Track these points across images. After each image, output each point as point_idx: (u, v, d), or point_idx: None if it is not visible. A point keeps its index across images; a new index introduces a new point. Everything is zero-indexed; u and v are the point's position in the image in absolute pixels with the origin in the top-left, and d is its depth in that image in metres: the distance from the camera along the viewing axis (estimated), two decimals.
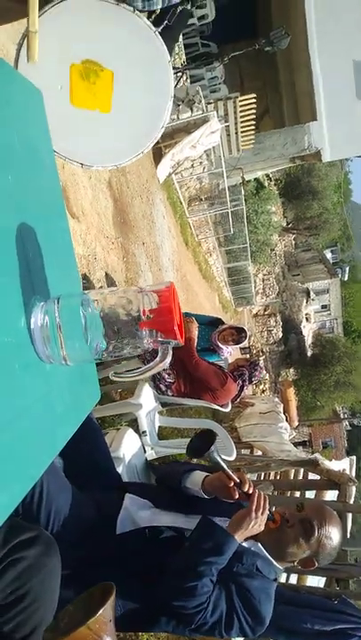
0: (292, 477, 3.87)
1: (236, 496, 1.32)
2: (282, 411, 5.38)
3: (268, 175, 13.82)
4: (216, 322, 3.26)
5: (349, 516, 3.10)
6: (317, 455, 3.45)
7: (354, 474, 4.73)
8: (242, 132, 7.60)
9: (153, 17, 1.62)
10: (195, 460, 2.09)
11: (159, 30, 1.50)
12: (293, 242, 22.67)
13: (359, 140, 9.19)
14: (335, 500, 2.83)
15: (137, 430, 2.34)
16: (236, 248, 11.98)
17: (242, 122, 7.46)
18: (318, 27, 7.96)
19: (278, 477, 3.97)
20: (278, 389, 18.00)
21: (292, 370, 21.99)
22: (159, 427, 2.80)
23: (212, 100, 7.04)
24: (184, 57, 7.51)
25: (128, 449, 1.92)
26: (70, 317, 0.67)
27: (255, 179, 12.10)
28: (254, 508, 1.28)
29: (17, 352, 0.66)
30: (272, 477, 3.93)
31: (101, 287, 3.39)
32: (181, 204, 7.91)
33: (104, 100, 1.52)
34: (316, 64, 8.23)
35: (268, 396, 10.45)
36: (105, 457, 1.58)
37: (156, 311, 0.68)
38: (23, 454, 0.66)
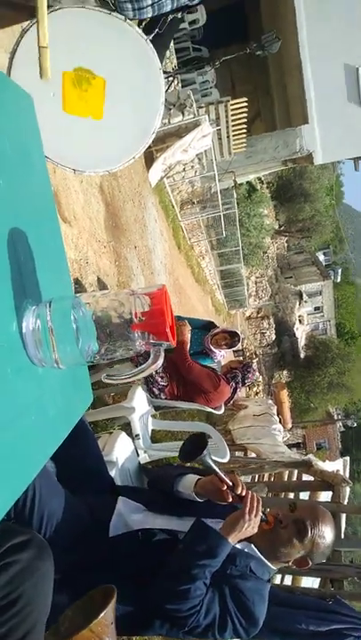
0: (286, 479, 3.88)
1: (230, 499, 1.32)
2: (275, 413, 5.40)
3: (260, 178, 13.89)
4: (209, 325, 3.27)
5: (343, 516, 3.11)
6: (311, 456, 3.47)
7: (348, 474, 4.75)
8: (233, 135, 7.65)
9: (144, 25, 1.64)
10: (189, 464, 2.09)
11: (150, 38, 1.52)
12: (286, 244, 22.80)
13: (351, 143, 9.28)
14: (329, 500, 2.84)
15: (130, 434, 2.34)
16: (228, 251, 12.02)
17: (233, 125, 7.51)
18: (309, 30, 8.04)
19: (272, 479, 3.97)
20: (272, 391, 18.02)
21: (285, 372, 22.07)
22: (152, 430, 2.80)
23: (203, 104, 7.09)
24: (175, 61, 7.54)
25: (121, 452, 1.91)
26: (62, 321, 0.68)
27: (247, 182, 12.17)
28: (247, 510, 1.29)
29: (9, 356, 0.67)
30: (266, 479, 3.94)
31: (93, 291, 3.39)
32: (173, 207, 7.93)
33: (96, 107, 1.53)
34: (308, 67, 8.30)
35: (262, 399, 10.47)
36: (97, 461, 1.57)
37: (148, 313, 0.69)
38: (15, 458, 0.66)
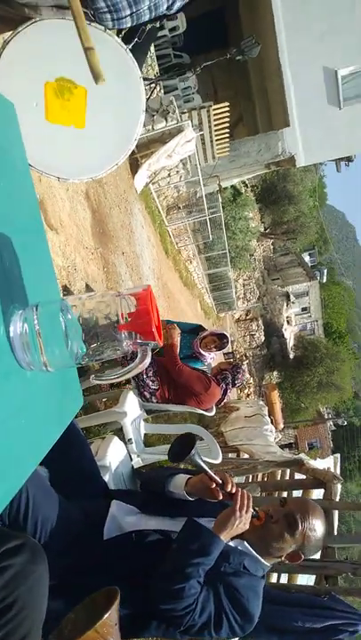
0: (278, 478, 3.91)
1: (220, 496, 1.34)
2: (267, 413, 5.43)
3: (244, 182, 14.02)
4: (198, 329, 3.29)
5: (336, 513, 3.14)
6: (302, 455, 3.50)
7: (338, 471, 4.80)
8: (217, 140, 7.72)
9: (123, 33, 1.67)
10: (182, 466, 2.10)
11: (130, 47, 1.54)
12: (272, 246, 22.99)
13: (331, 145, 9.42)
14: (321, 498, 2.86)
15: (123, 439, 2.34)
16: (215, 254, 12.09)
17: (216, 130, 7.58)
18: (288, 35, 8.15)
19: (265, 479, 3.99)
20: (263, 393, 18.10)
21: (275, 373, 22.18)
22: (145, 434, 2.80)
23: (186, 110, 7.14)
24: (157, 68, 7.60)
25: (114, 457, 1.92)
26: (49, 323, 0.69)
27: (232, 186, 12.26)
28: (238, 507, 1.30)
29: None
30: (259, 479, 3.96)
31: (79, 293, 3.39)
32: (160, 212, 7.97)
33: (78, 116, 1.56)
34: (287, 71, 8.42)
35: (253, 400, 10.51)
36: (90, 465, 1.58)
37: (134, 314, 0.70)
38: (6, 461, 0.67)
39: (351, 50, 8.27)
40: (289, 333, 23.39)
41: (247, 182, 14.92)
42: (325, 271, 30.35)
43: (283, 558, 1.42)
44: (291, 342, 23.03)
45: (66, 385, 0.95)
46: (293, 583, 2.80)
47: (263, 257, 21.59)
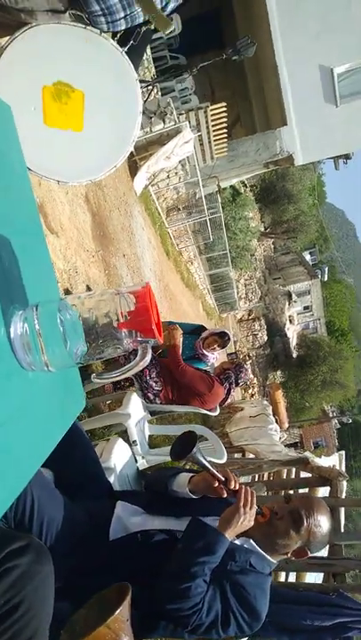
0: (284, 477, 3.90)
1: (224, 494, 1.33)
2: (271, 413, 5.43)
3: (243, 182, 14.03)
4: (199, 330, 3.29)
5: (342, 510, 3.13)
6: (307, 453, 3.49)
7: (344, 468, 4.78)
8: (215, 140, 7.73)
9: (118, 36, 1.68)
10: (187, 466, 2.09)
11: (125, 50, 1.55)
12: (272, 246, 23.00)
13: (329, 143, 9.42)
14: (327, 495, 2.86)
15: (127, 440, 2.34)
16: (216, 255, 12.10)
17: (214, 130, 7.60)
18: (284, 34, 8.16)
19: (271, 478, 3.99)
20: (267, 392, 18.07)
21: (279, 372, 22.15)
22: (150, 435, 2.80)
23: (183, 111, 7.16)
24: (154, 70, 7.63)
25: (119, 459, 1.92)
26: (49, 323, 0.69)
27: (231, 186, 12.27)
28: (242, 503, 1.30)
29: None
30: (265, 478, 3.95)
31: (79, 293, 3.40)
32: (160, 214, 7.98)
33: (76, 120, 1.57)
34: (284, 70, 8.42)
35: (257, 400, 10.50)
36: (95, 466, 1.58)
37: (134, 312, 0.71)
38: (9, 462, 0.67)
39: (347, 47, 8.27)
40: (292, 332, 23.36)
41: (246, 182, 14.94)
42: (326, 269, 30.30)
43: (289, 555, 1.41)
44: (294, 341, 23.00)
45: (68, 386, 0.95)
46: (301, 581, 2.79)
47: (264, 256, 21.59)
